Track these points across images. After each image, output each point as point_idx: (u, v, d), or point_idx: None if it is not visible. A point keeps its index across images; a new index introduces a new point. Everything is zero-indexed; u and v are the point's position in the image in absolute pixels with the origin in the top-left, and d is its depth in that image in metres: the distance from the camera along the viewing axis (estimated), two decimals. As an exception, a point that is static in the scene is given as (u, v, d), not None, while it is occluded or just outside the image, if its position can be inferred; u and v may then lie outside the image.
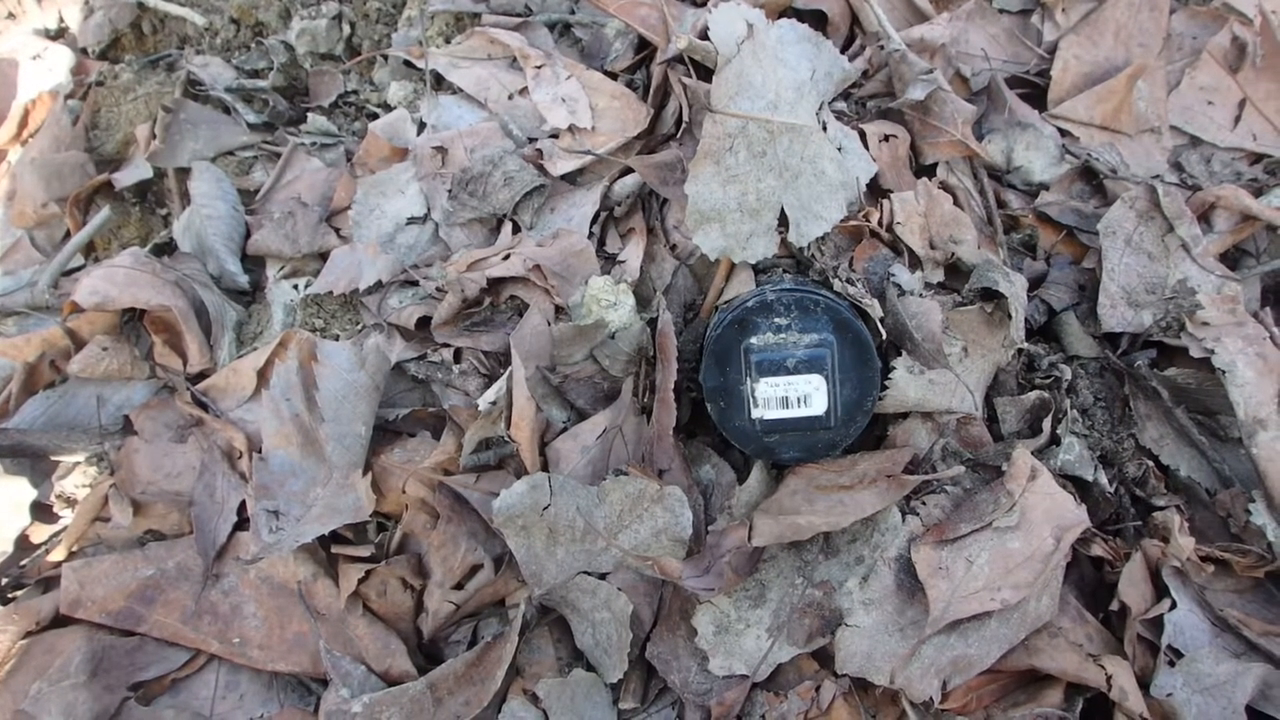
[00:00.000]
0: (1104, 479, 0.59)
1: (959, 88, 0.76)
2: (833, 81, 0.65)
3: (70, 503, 0.69)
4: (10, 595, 0.66)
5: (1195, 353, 0.60)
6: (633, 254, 0.66)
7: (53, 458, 0.70)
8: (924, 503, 0.57)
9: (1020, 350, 0.61)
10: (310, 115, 0.84)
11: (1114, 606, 0.56)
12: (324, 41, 0.88)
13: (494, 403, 0.60)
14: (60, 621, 0.63)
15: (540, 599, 0.59)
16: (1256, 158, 0.77)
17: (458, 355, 0.66)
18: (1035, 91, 0.78)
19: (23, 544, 0.68)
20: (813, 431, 0.53)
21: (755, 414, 0.52)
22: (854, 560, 0.56)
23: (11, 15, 0.97)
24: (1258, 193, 0.71)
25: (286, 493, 0.62)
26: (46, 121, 0.85)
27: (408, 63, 0.84)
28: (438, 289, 0.67)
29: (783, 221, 0.59)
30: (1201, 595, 0.57)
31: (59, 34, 0.96)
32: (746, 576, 0.57)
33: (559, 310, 0.64)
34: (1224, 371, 0.58)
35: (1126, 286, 0.65)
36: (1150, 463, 0.61)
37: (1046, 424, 0.59)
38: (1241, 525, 0.58)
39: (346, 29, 0.88)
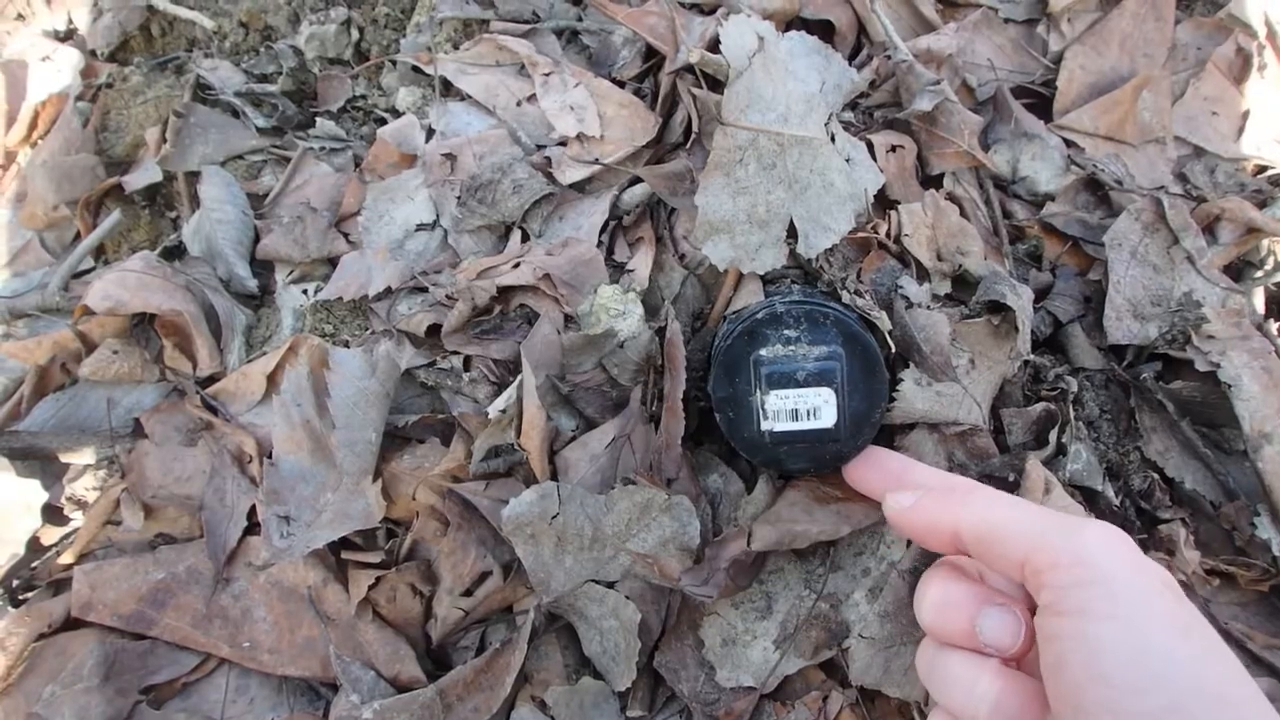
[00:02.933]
0: (1110, 491, 0.59)
1: (965, 98, 0.77)
2: (841, 93, 0.66)
3: (81, 505, 0.69)
4: (22, 597, 0.67)
5: (1201, 366, 0.60)
6: (641, 263, 0.66)
7: (63, 460, 0.71)
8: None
9: (1026, 362, 0.61)
10: (319, 120, 0.85)
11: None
12: (332, 46, 0.88)
13: (504, 410, 0.60)
14: (72, 624, 0.64)
15: (548, 606, 0.59)
16: (1260, 169, 0.77)
17: (467, 363, 0.66)
18: (1041, 102, 0.78)
19: (34, 546, 0.68)
20: (821, 443, 0.53)
21: (765, 426, 0.53)
22: (860, 573, 0.56)
23: (20, 16, 0.97)
24: (1261, 204, 0.72)
25: (297, 498, 0.63)
26: (57, 124, 0.85)
27: (416, 68, 0.84)
28: (447, 296, 0.67)
29: (791, 233, 0.60)
30: (1206, 608, 0.57)
31: (68, 35, 0.96)
32: (745, 586, 0.57)
33: (568, 319, 0.64)
34: (1229, 385, 0.59)
35: (1132, 299, 0.65)
36: (1156, 475, 0.61)
37: (1052, 436, 0.59)
38: (1246, 539, 0.58)
39: (355, 34, 0.88)
